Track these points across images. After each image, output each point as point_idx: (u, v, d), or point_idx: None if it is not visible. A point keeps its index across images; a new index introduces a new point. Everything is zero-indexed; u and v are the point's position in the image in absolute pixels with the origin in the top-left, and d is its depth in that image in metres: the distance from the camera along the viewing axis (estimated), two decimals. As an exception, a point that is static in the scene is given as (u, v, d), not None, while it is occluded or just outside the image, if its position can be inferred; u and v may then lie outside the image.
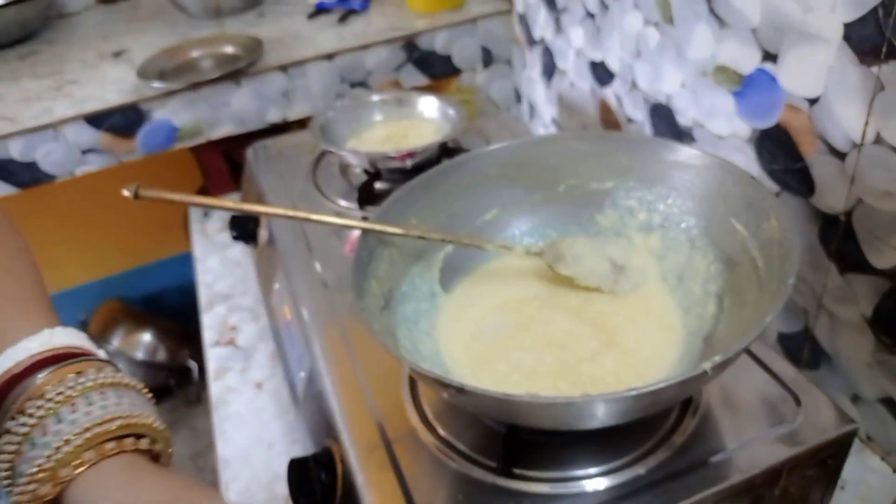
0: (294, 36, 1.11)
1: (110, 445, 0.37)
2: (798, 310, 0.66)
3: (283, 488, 0.64)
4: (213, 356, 0.81)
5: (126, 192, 0.48)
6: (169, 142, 1.01)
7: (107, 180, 1.01)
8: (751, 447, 0.48)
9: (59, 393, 0.37)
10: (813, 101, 0.58)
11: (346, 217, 0.61)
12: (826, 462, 0.50)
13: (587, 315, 0.53)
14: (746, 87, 0.65)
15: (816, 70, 0.56)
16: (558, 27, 0.97)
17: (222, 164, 1.34)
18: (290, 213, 0.50)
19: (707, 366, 0.37)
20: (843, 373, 0.64)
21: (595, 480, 0.46)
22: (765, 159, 0.65)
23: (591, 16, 0.87)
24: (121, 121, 0.98)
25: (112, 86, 1.02)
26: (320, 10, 1.18)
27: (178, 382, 1.69)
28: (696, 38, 0.69)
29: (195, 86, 0.98)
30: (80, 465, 0.36)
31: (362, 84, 1.08)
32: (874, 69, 0.51)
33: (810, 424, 0.49)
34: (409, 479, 0.48)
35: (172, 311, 1.76)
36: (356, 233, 0.53)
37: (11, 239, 0.46)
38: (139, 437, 0.38)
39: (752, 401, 0.51)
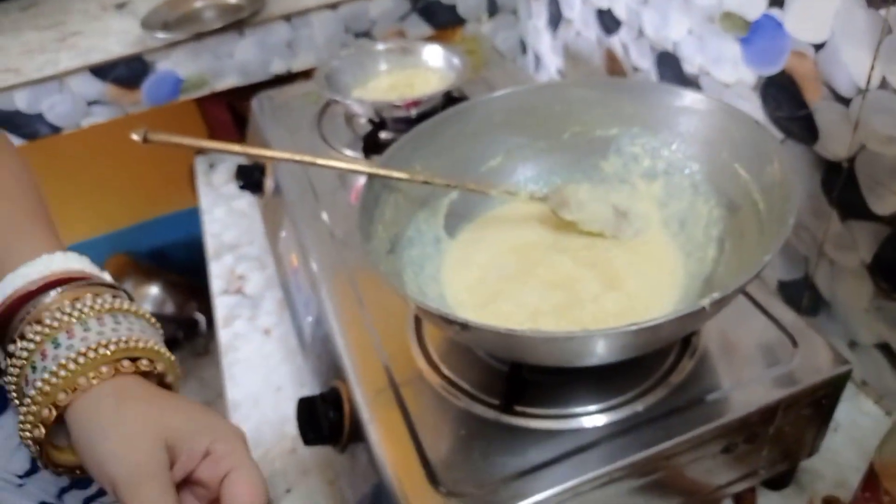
0: (297, -15, 1.09)
1: (105, 370, 0.37)
2: (799, 257, 0.67)
3: (291, 428, 0.66)
4: (222, 304, 0.82)
5: (135, 136, 0.48)
6: (174, 93, 1.01)
7: (113, 134, 1.01)
8: (747, 386, 0.49)
9: (56, 319, 0.37)
10: (819, 47, 0.57)
11: (352, 164, 0.61)
12: (821, 402, 0.51)
13: (590, 259, 0.54)
14: (753, 33, 0.64)
15: (823, 14, 0.56)
16: (565, -25, 0.96)
17: (227, 116, 1.34)
18: (297, 157, 0.50)
19: (706, 302, 0.38)
20: (841, 319, 0.65)
21: (594, 417, 0.48)
22: (769, 106, 0.65)
23: (598, -37, 0.86)
24: (125, 72, 0.97)
25: (116, 37, 1.02)
26: (324, -41, 1.16)
27: (185, 335, 1.71)
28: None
29: (199, 36, 0.97)
30: (76, 388, 0.36)
31: (367, 34, 1.07)
32: (882, 12, 0.51)
33: (806, 365, 0.50)
34: (414, 416, 0.50)
35: (179, 266, 1.77)
36: (362, 181, 0.54)
37: (11, 160, 0.46)
38: (137, 360, 0.39)
39: (749, 343, 0.52)
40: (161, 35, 0.96)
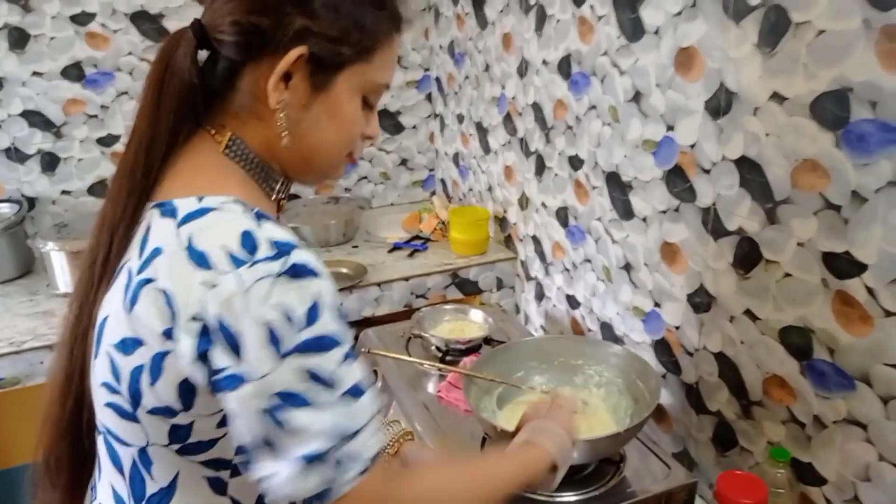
0: (380, 263, 1.74)
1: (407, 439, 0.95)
2: (680, 438, 1.24)
3: None
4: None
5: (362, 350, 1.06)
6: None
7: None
8: (647, 486, 1.03)
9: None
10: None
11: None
12: (684, 499, 1.04)
13: (570, 423, 1.10)
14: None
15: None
16: (546, 272, 1.62)
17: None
18: (437, 365, 1.07)
19: (620, 428, 0.94)
20: (704, 472, 1.20)
21: (571, 497, 1.00)
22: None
23: (566, 270, 1.53)
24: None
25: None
26: (396, 248, 1.83)
27: None
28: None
29: (325, 291, 1.58)
30: (400, 445, 0.93)
31: (423, 296, 1.69)
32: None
33: (674, 479, 1.04)
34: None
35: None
36: (442, 382, 1.11)
37: None
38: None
39: (647, 469, 1.07)
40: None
